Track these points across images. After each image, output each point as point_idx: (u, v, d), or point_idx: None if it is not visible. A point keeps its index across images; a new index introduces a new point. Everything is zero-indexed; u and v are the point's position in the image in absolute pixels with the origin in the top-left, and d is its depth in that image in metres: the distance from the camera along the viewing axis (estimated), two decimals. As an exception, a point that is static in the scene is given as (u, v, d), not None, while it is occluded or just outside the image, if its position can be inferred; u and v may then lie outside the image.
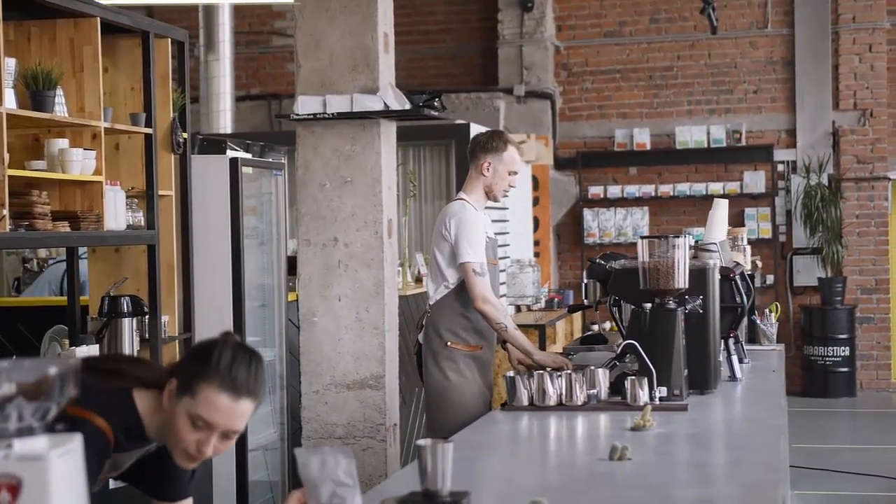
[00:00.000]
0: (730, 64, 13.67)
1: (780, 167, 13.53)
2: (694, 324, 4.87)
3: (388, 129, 6.17)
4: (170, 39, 6.34)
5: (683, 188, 13.53)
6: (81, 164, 5.40)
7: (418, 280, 8.59)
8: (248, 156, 7.39)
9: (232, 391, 2.83)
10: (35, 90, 5.21)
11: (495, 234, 5.83)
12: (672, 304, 4.77)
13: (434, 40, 14.34)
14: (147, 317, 5.97)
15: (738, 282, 5.47)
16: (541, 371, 4.73)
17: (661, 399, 4.61)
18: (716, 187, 13.35)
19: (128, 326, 5.80)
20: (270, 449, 7.20)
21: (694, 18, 13.17)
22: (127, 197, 5.87)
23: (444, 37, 14.35)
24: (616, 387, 4.70)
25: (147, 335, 5.98)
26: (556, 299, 11.34)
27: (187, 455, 2.91)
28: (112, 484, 5.10)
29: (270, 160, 7.58)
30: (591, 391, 4.64)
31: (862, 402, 12.85)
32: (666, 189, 13.57)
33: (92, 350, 5.59)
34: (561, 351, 6.15)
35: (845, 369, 12.98)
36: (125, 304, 5.81)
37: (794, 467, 8.53)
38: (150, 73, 6.00)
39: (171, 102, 6.27)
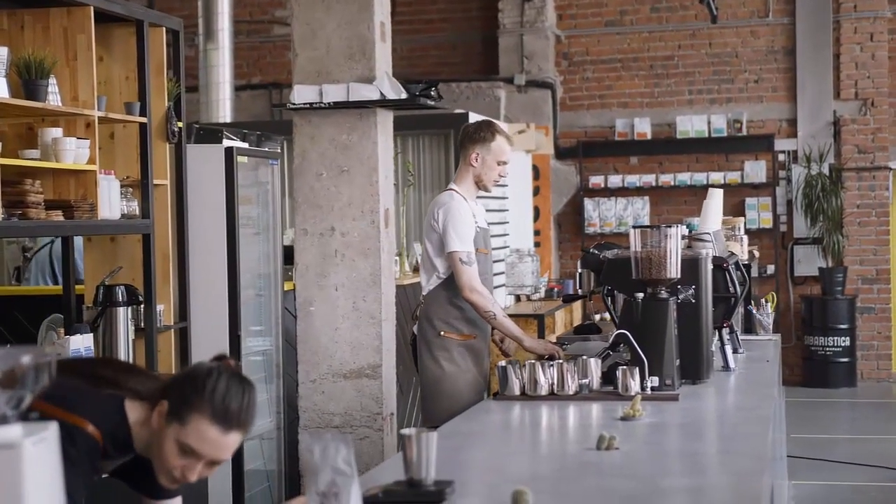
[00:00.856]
0: (731, 53, 13.65)
1: (781, 157, 13.51)
2: (686, 314, 4.87)
3: (385, 119, 6.17)
4: (164, 28, 6.33)
5: (684, 178, 13.52)
6: (75, 153, 5.40)
7: (416, 269, 8.60)
8: (245, 145, 7.38)
9: (223, 424, 2.82)
10: (28, 79, 5.21)
11: (489, 223, 5.83)
12: (664, 294, 4.77)
13: (435, 29, 14.33)
14: (142, 306, 5.98)
15: (732, 271, 5.47)
16: (533, 361, 4.73)
17: (652, 389, 4.61)
18: (717, 177, 13.34)
19: (123, 316, 5.80)
20: (267, 438, 7.20)
21: (695, 7, 13.15)
22: (122, 186, 5.87)
23: (444, 26, 14.34)
24: (609, 377, 4.70)
25: (142, 324, 5.99)
26: (556, 289, 11.34)
27: (171, 478, 2.91)
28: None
29: (266, 150, 7.57)
30: (583, 381, 4.64)
31: (862, 392, 12.84)
32: (667, 179, 13.56)
33: (87, 339, 5.59)
34: (554, 341, 6.14)
35: (846, 359, 12.97)
36: (120, 294, 5.80)
37: (793, 457, 8.54)
38: (144, 62, 5.99)
39: (167, 91, 6.27)
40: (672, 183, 13.53)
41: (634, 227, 4.87)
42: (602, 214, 13.72)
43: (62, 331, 5.81)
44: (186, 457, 2.84)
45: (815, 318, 13.02)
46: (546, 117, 13.58)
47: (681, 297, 4.84)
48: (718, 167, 13.56)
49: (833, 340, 12.92)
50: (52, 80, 5.35)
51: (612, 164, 13.87)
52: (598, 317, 10.88)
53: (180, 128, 6.35)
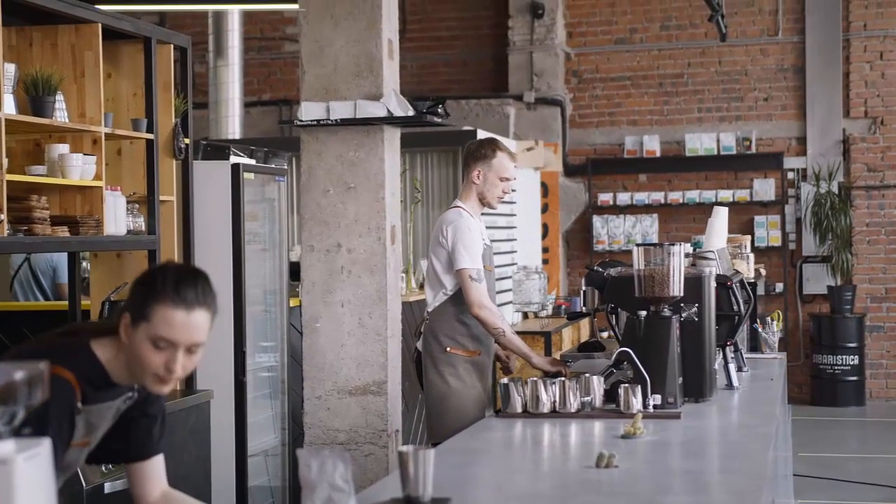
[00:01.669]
0: (740, 71, 13.65)
1: (791, 175, 13.50)
2: (689, 332, 4.87)
3: (392, 136, 6.18)
4: (172, 45, 6.37)
5: (693, 195, 13.51)
6: (81, 169, 5.43)
7: (422, 286, 8.60)
8: (252, 161, 7.41)
9: (184, 305, 2.90)
10: (35, 95, 5.24)
11: (491, 240, 5.84)
12: (667, 312, 4.77)
13: (445, 46, 14.36)
14: (148, 321, 5.98)
15: (736, 290, 5.46)
16: (536, 378, 4.73)
17: (654, 407, 4.61)
18: (725, 195, 13.33)
19: (128, 331, 5.81)
20: (271, 454, 7.21)
21: (704, 25, 13.15)
22: (128, 202, 5.90)
23: (455, 43, 14.37)
24: (611, 394, 4.70)
25: (148, 340, 5.99)
26: (563, 306, 11.33)
27: (158, 378, 2.96)
28: (108, 488, 5.15)
29: (273, 166, 7.60)
30: (586, 398, 4.64)
31: (871, 411, 12.80)
32: (676, 196, 13.56)
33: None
34: (558, 358, 6.15)
35: (854, 378, 12.93)
36: (126, 309, 5.81)
37: (800, 476, 8.52)
38: (151, 78, 6.02)
39: (174, 108, 6.30)
40: (681, 200, 13.53)
41: (638, 244, 4.87)
42: (611, 232, 13.71)
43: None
44: (163, 350, 2.91)
45: (823, 337, 12.98)
46: (555, 134, 13.59)
47: (684, 315, 4.83)
48: (727, 185, 13.55)
49: (842, 359, 12.88)
50: (60, 97, 5.38)
51: (621, 181, 13.87)
52: (605, 334, 10.87)
53: (187, 144, 6.38)
